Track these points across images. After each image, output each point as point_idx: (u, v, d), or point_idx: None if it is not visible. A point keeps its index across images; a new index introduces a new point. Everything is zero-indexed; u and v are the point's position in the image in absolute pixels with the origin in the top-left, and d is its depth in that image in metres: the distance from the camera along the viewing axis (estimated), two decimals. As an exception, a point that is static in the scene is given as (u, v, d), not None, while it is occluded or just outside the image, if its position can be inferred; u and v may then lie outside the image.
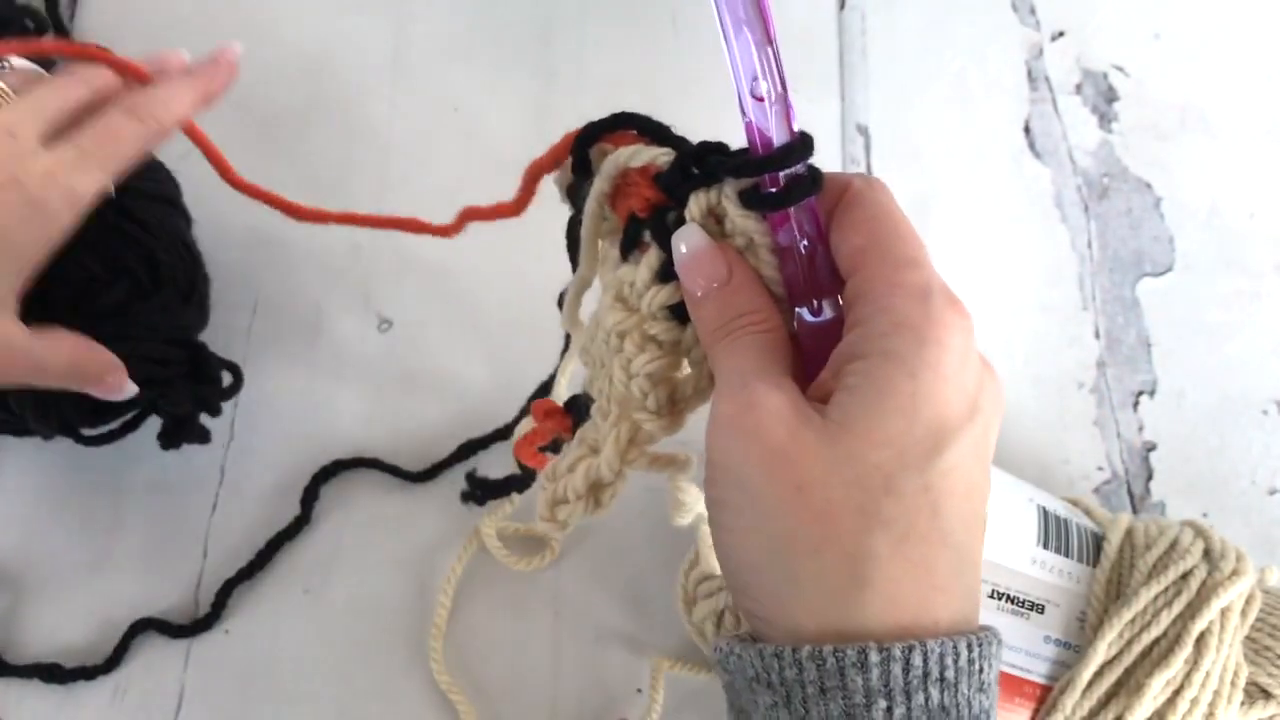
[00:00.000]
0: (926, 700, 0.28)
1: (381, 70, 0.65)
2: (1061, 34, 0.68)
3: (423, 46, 0.66)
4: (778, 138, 0.32)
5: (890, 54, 0.67)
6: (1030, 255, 0.63)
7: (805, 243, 0.33)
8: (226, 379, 0.52)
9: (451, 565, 0.52)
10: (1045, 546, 0.45)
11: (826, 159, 0.64)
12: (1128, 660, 0.43)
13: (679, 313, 0.35)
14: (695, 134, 0.35)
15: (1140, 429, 0.59)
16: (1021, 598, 0.44)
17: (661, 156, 0.35)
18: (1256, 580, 0.46)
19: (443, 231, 0.47)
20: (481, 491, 0.52)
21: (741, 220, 0.33)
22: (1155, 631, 0.43)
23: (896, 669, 0.28)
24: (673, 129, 0.36)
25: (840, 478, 0.29)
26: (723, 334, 0.33)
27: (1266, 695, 0.44)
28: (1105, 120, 0.66)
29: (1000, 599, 0.44)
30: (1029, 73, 0.67)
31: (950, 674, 0.28)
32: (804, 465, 0.29)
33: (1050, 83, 0.67)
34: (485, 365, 0.57)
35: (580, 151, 0.37)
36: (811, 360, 0.33)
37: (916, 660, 0.28)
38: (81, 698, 0.50)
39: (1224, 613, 0.43)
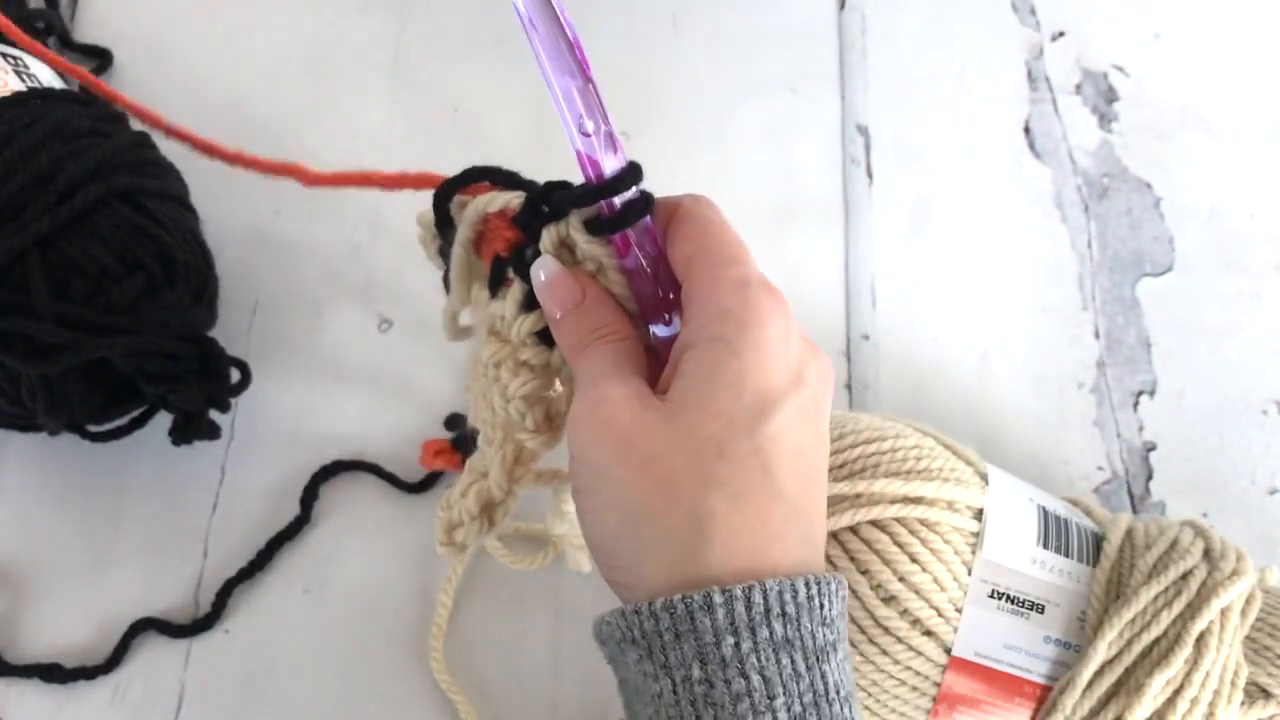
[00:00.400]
0: (771, 633, 0.31)
1: (381, 70, 0.65)
2: (1061, 34, 0.68)
3: (423, 46, 0.66)
4: (608, 168, 0.35)
5: (890, 54, 0.67)
6: (1030, 255, 0.63)
7: (647, 262, 0.36)
8: (234, 376, 0.52)
9: (452, 565, 0.52)
10: (1045, 546, 0.45)
11: (826, 159, 0.65)
12: (1128, 660, 0.43)
13: (545, 338, 0.38)
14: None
15: (1140, 429, 0.59)
16: (1021, 598, 0.44)
17: (515, 200, 0.38)
18: (1256, 580, 0.46)
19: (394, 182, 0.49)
20: None
21: (588, 246, 0.36)
22: (1155, 631, 0.43)
23: (739, 608, 0.31)
24: (521, 174, 0.39)
25: (680, 450, 0.32)
26: (581, 347, 0.36)
27: (1266, 695, 0.44)
28: (1105, 120, 0.66)
29: (1000, 599, 0.44)
30: (1029, 73, 0.67)
31: (791, 609, 0.31)
32: (648, 444, 0.33)
33: (1050, 83, 0.67)
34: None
35: (441, 206, 0.41)
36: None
37: (757, 598, 0.31)
38: (81, 698, 0.50)
39: (1224, 613, 0.43)
